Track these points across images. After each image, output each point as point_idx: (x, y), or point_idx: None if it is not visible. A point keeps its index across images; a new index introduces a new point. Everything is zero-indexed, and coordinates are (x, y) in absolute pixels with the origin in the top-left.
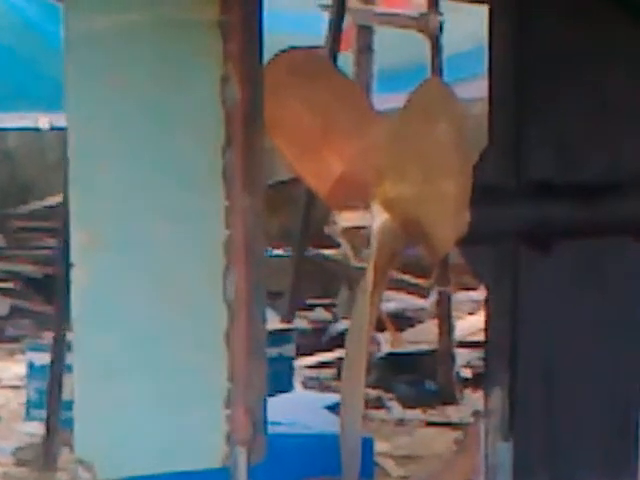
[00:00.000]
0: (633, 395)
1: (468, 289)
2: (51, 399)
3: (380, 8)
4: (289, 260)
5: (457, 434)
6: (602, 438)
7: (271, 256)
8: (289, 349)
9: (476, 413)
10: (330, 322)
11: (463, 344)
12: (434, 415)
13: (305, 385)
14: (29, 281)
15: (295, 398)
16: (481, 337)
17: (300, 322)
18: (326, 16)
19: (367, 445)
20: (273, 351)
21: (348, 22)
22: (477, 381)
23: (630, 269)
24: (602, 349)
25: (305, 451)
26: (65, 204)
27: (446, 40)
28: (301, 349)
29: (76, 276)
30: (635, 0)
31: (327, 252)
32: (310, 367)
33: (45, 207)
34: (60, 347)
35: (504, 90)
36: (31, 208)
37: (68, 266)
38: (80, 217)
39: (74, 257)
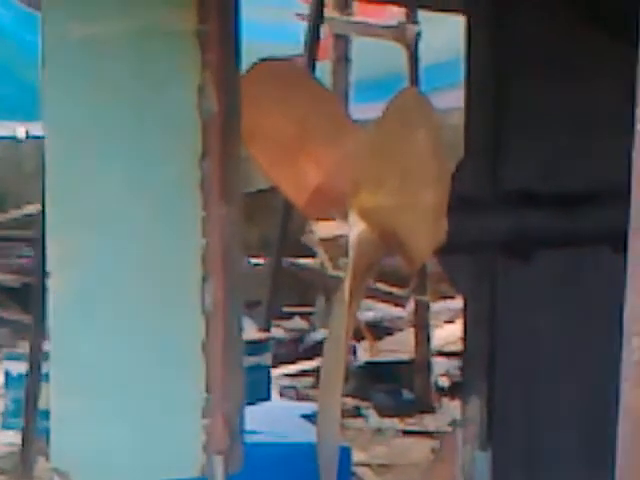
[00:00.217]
0: (612, 404)
1: (446, 298)
2: (28, 408)
3: (357, 18)
4: (266, 269)
5: (434, 443)
6: (581, 448)
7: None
8: (266, 358)
9: (453, 422)
10: (307, 331)
11: (441, 353)
12: (411, 424)
13: (282, 394)
14: (6, 290)
15: (272, 407)
16: (459, 346)
17: (277, 331)
18: (304, 25)
19: (344, 454)
20: (250, 360)
21: (325, 31)
22: (455, 390)
23: (607, 279)
24: (580, 358)
25: (282, 460)
26: (42, 213)
27: (423, 50)
28: (278, 358)
29: (52, 286)
30: (610, 18)
31: (304, 261)
32: (287, 376)
33: (22, 216)
34: (37, 356)
35: (482, 99)
36: (8, 217)
37: (45, 276)
38: (56, 226)
39: (50, 266)
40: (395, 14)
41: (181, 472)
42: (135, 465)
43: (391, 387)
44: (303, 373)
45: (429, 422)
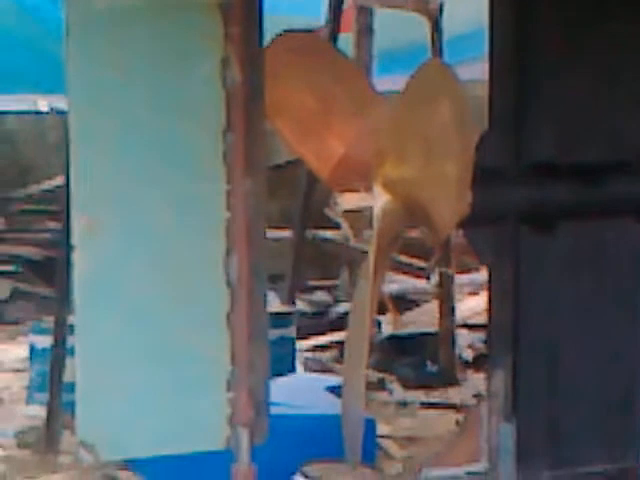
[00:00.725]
0: (635, 376)
1: (470, 270)
2: (53, 382)
3: None
4: (289, 242)
5: (459, 416)
6: (604, 419)
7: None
8: (291, 331)
9: (478, 395)
10: (331, 304)
11: (465, 325)
12: (436, 397)
13: (307, 367)
14: (30, 264)
15: (297, 380)
16: (483, 319)
17: (301, 304)
18: None
19: (369, 426)
20: (275, 333)
21: (348, 3)
22: (479, 363)
23: (631, 249)
24: (604, 330)
25: (307, 433)
26: (66, 187)
27: (447, 22)
28: (302, 331)
29: (77, 259)
30: None
31: (328, 234)
32: (312, 349)
33: (45, 190)
34: (62, 330)
35: (504, 72)
36: (31, 191)
37: (69, 249)
38: (80, 200)
39: (75, 240)
40: None
41: (207, 444)
42: (160, 437)
43: (415, 360)
44: (328, 346)
45: (453, 395)
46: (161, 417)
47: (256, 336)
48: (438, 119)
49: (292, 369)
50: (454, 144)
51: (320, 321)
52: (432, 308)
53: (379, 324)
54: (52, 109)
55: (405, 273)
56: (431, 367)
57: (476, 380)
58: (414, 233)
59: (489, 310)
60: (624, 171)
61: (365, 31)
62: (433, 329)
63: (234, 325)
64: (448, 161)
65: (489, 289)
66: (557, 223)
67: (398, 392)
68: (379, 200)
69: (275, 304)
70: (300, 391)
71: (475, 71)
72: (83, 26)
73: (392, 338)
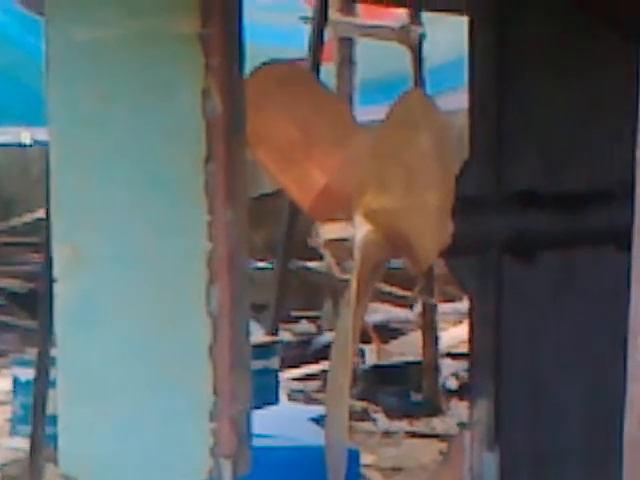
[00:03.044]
0: (618, 404)
1: (453, 300)
2: (36, 414)
3: (361, 20)
4: (273, 273)
5: (443, 445)
6: (588, 448)
7: (255, 269)
8: (274, 362)
9: (462, 424)
10: (315, 334)
11: (449, 355)
12: (420, 426)
13: (290, 397)
14: (13, 296)
15: (281, 410)
16: (466, 348)
17: (285, 334)
18: (308, 28)
19: (353, 457)
20: (258, 364)
21: (329, 34)
22: (463, 391)
23: (612, 278)
24: (586, 358)
25: (291, 463)
26: (47, 219)
27: (428, 52)
28: (286, 361)
29: (59, 291)
30: (613, 18)
31: (311, 264)
32: (295, 379)
33: (28, 222)
34: (44, 362)
35: (485, 100)
36: (14, 223)
37: (51, 281)
38: (61, 231)
39: (56, 272)
40: (399, 16)
41: (189, 476)
42: (143, 469)
43: (399, 389)
44: (311, 376)
45: (438, 424)
46: (144, 448)
47: (238, 366)
48: (418, 149)
49: (276, 400)
50: (435, 174)
51: (304, 351)
52: (416, 337)
53: (363, 354)
54: (35, 141)
55: (389, 302)
56: (415, 396)
57: (460, 409)
58: (397, 262)
59: (471, 339)
60: (606, 200)
61: (347, 62)
62: (417, 359)
63: (216, 355)
64: (429, 191)
65: (471, 318)
66: (539, 252)
67: (382, 422)
68: (360, 230)
69: (259, 334)
70: (284, 422)
71: (458, 100)
72: (62, 58)
73: (376, 368)
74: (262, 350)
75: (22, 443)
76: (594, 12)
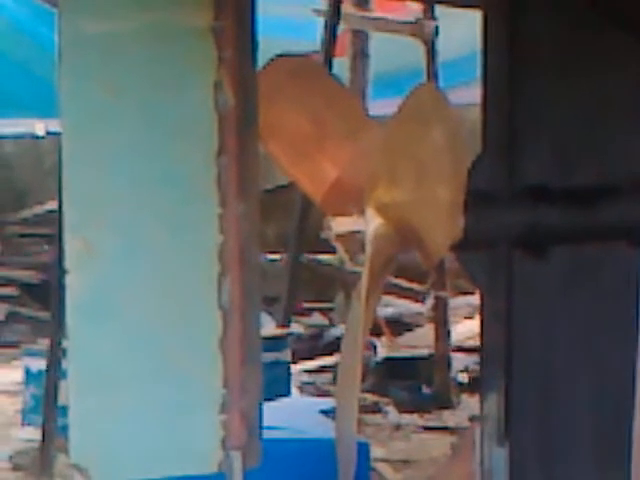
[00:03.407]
0: (628, 399)
1: (465, 293)
2: (47, 405)
3: (375, 13)
4: (285, 265)
5: (454, 439)
6: (597, 443)
7: (267, 261)
8: (285, 354)
9: (473, 418)
10: (326, 327)
11: (460, 349)
12: (431, 420)
13: (302, 390)
14: (26, 287)
15: (291, 403)
16: (478, 342)
17: (296, 327)
18: (321, 21)
19: (363, 450)
20: (269, 356)
21: (343, 27)
22: (474, 386)
23: (623, 273)
24: (596, 353)
25: (301, 456)
26: (60, 211)
27: (442, 46)
28: (298, 354)
29: (70, 282)
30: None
31: (323, 257)
32: (307, 372)
33: (42, 213)
34: (56, 353)
35: (498, 95)
36: (28, 215)
37: (63, 272)
38: (73, 223)
39: (68, 263)
40: (413, 10)
41: (199, 468)
42: (153, 461)
43: (410, 383)
44: (322, 369)
45: (448, 418)
46: (154, 440)
47: (249, 359)
48: (430, 143)
49: (287, 392)
50: (446, 168)
51: (315, 344)
52: (427, 331)
53: (374, 347)
54: (48, 133)
55: (401, 296)
56: (426, 390)
57: (471, 403)
58: (409, 256)
59: (482, 333)
60: (617, 195)
61: (360, 55)
62: (428, 352)
63: (227, 348)
64: (440, 185)
65: (482, 312)
66: (550, 247)
67: (393, 415)
68: (371, 224)
69: (270, 327)
70: (295, 414)
71: (471, 94)
72: (76, 49)
73: (387, 361)
74: (274, 342)
75: (33, 433)
76: (607, 12)
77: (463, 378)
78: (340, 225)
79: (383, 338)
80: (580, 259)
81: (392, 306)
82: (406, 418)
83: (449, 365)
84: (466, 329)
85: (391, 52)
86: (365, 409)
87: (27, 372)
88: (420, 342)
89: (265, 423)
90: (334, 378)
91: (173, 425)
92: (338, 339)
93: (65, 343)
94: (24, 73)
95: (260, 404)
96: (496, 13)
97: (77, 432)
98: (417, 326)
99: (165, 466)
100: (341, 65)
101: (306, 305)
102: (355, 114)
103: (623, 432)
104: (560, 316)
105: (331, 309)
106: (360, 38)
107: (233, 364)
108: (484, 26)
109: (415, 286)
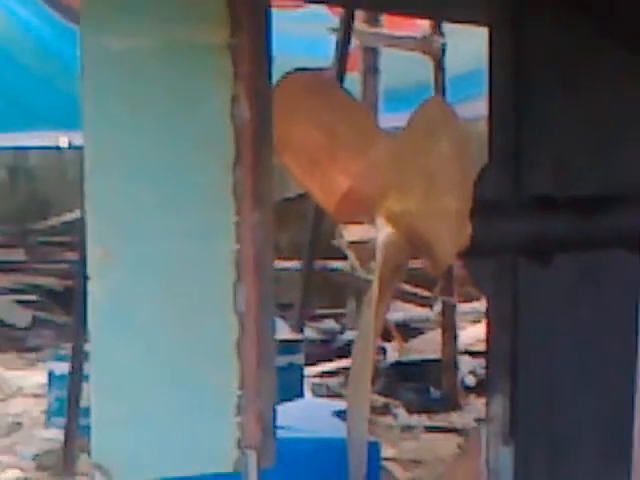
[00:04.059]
0: (632, 402)
1: (472, 300)
2: (70, 407)
3: (386, 30)
4: (299, 273)
5: (461, 439)
6: (601, 444)
7: (281, 269)
8: (299, 357)
9: (480, 419)
10: (338, 332)
11: (467, 352)
12: (439, 421)
13: (314, 392)
14: (50, 293)
15: (305, 405)
16: (484, 346)
17: (309, 332)
18: (334, 38)
19: (373, 449)
20: (283, 360)
21: (355, 44)
22: (481, 388)
23: (627, 280)
24: (599, 357)
25: (313, 455)
26: (82, 220)
27: (449, 61)
28: (310, 358)
29: (92, 289)
30: (629, 28)
31: (335, 264)
32: (319, 375)
33: (65, 222)
34: (79, 357)
35: (503, 108)
36: (51, 223)
37: (85, 279)
38: (95, 232)
39: (90, 271)
40: (421, 27)
41: (216, 467)
42: (171, 460)
43: (419, 385)
44: (335, 372)
45: (456, 419)
46: (172, 441)
47: (264, 362)
48: (438, 154)
49: (300, 394)
50: (454, 178)
51: (328, 348)
52: (436, 336)
53: (385, 351)
54: (71, 145)
55: (410, 302)
56: (434, 392)
57: (478, 405)
58: (418, 263)
59: (488, 338)
60: (620, 205)
61: (371, 70)
62: (436, 356)
63: (243, 352)
64: (448, 194)
65: (488, 318)
66: (555, 255)
67: (403, 416)
68: (382, 232)
69: (284, 332)
70: (308, 415)
71: (476, 108)
72: (97, 65)
73: (397, 364)
74: (288, 346)
75: (57, 434)
76: (611, 29)
77: (470, 381)
78: (351, 233)
79: (393, 342)
80: (584, 267)
81: (402, 311)
82: (415, 419)
83: (456, 368)
84: (473, 334)
85: (401, 67)
86: (376, 410)
87: (51, 375)
88: (428, 346)
89: (279, 424)
90: (346, 381)
91: (191, 426)
92: (349, 343)
93: (87, 347)
94: (49, 88)
95: (275, 406)
96: (501, 29)
97: (98, 433)
98: (425, 331)
99: (183, 465)
100: (353, 80)
101: (319, 311)
102: (366, 127)
103: (627, 433)
104: (564, 321)
105: (343, 315)
106: (371, 54)
107: (249, 367)
108: (490, 42)
109: (424, 292)
